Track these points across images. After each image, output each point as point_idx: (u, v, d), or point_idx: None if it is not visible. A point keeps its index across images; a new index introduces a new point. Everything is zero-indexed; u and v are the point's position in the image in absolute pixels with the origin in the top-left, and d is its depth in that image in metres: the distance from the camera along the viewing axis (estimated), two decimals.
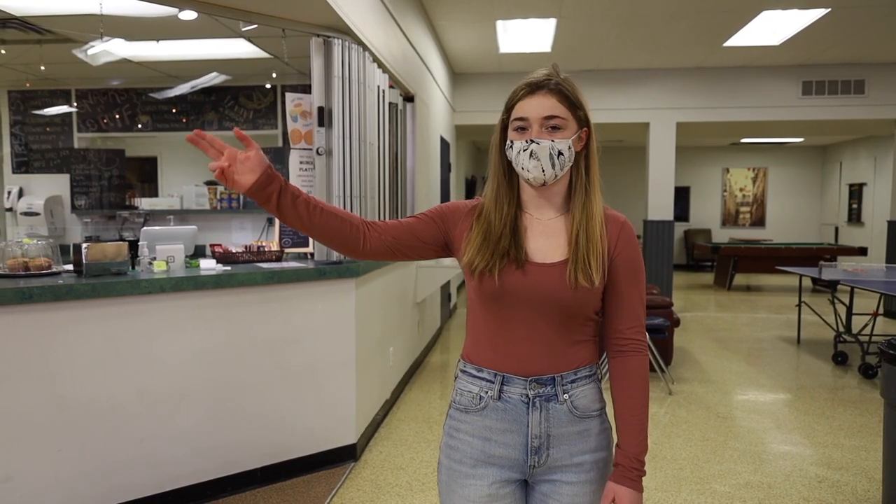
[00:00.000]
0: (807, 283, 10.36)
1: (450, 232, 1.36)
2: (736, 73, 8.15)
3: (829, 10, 5.79)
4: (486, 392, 1.31)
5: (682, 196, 14.43)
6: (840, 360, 5.62)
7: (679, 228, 14.41)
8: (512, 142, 1.28)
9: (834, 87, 8.01)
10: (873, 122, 8.43)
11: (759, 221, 14.53)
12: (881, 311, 7.81)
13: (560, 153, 1.25)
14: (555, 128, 1.25)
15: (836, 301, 5.79)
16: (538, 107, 1.25)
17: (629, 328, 1.31)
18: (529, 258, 1.28)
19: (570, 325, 1.29)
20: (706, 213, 14.66)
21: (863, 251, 10.32)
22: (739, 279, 12.02)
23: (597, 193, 1.31)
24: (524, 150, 1.25)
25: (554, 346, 1.29)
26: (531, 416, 1.29)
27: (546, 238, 1.30)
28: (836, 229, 13.51)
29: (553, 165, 1.25)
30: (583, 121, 1.29)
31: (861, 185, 12.50)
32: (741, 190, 14.62)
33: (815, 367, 5.61)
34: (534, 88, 1.25)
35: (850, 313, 5.65)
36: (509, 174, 1.32)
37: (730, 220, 14.63)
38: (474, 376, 1.33)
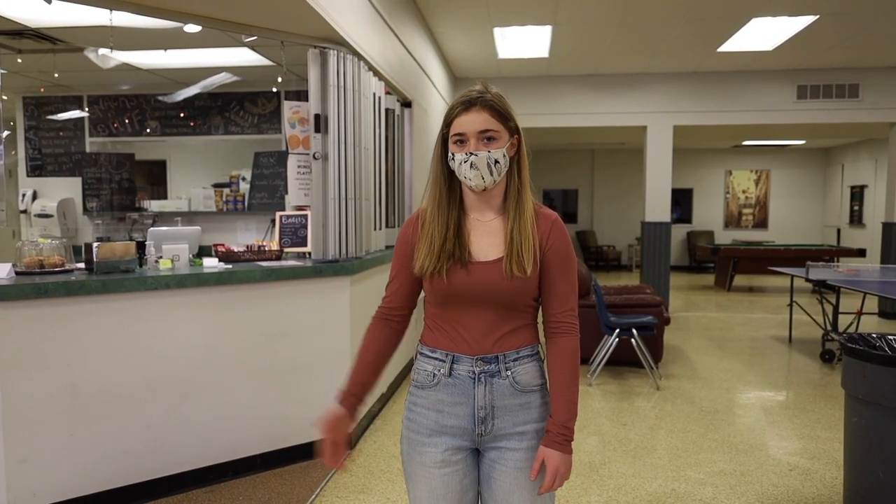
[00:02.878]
0: (807, 283, 10.46)
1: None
2: (731, 78, 8.28)
3: (817, 17, 5.93)
4: (439, 370, 1.50)
5: (684, 198, 14.55)
6: (827, 357, 5.76)
7: (682, 230, 14.53)
8: (453, 154, 1.46)
9: (829, 91, 8.13)
10: (869, 125, 8.53)
11: (761, 223, 14.61)
12: (873, 310, 7.94)
13: (496, 161, 1.44)
14: (490, 139, 1.43)
15: (823, 301, 5.92)
16: (473, 122, 1.42)
17: (561, 312, 1.49)
18: (472, 258, 1.46)
19: (510, 312, 1.48)
20: (709, 215, 14.76)
21: (861, 252, 10.41)
22: (741, 280, 12.13)
23: (528, 194, 1.49)
24: (465, 162, 1.43)
25: (498, 329, 1.47)
26: (477, 390, 1.47)
27: (487, 238, 1.49)
28: (839, 231, 13.58)
29: (491, 172, 1.44)
30: (513, 130, 1.47)
31: (862, 188, 12.59)
32: (744, 192, 14.71)
33: (802, 364, 5.75)
34: (468, 105, 1.43)
35: (836, 312, 5.78)
36: (450, 182, 1.51)
37: (732, 221, 14.72)
38: (429, 357, 1.52)
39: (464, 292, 1.46)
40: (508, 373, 1.47)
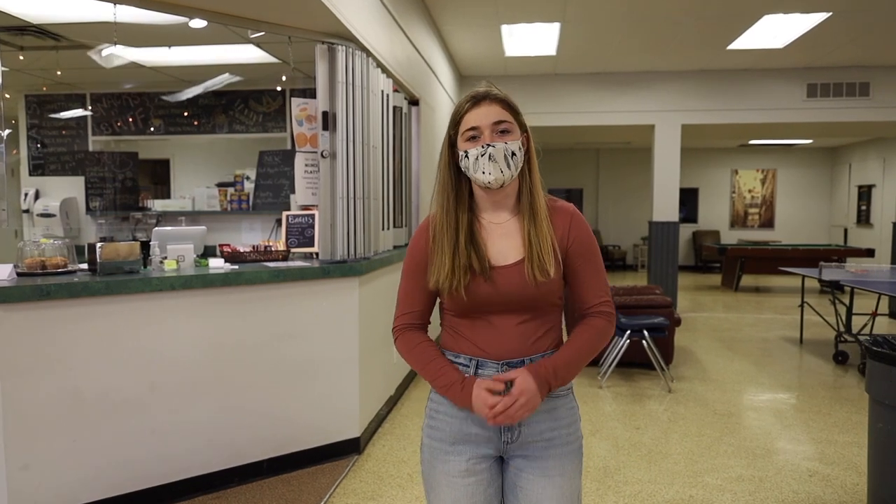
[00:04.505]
0: (815, 283, 10.37)
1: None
2: (741, 76, 8.19)
3: (830, 13, 5.84)
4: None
5: (690, 197, 14.45)
6: (840, 359, 5.67)
7: (688, 230, 14.43)
8: (466, 151, 1.38)
9: (839, 90, 8.03)
10: (879, 124, 8.44)
11: (768, 223, 14.51)
12: (885, 311, 7.85)
13: (513, 153, 1.37)
14: (504, 131, 1.37)
15: (836, 301, 5.83)
16: (487, 114, 1.36)
17: (596, 303, 1.44)
18: (492, 264, 1.39)
19: (536, 314, 1.41)
20: (715, 215, 14.66)
21: (870, 252, 10.31)
22: (748, 280, 12.03)
23: (540, 192, 1.44)
24: (482, 155, 1.36)
25: (523, 333, 1.40)
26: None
27: (505, 240, 1.42)
28: (846, 231, 13.48)
29: (509, 165, 1.37)
30: (523, 126, 1.42)
31: (870, 187, 12.48)
32: (750, 191, 14.61)
33: (815, 366, 5.66)
34: (477, 100, 1.38)
35: (849, 313, 5.69)
36: (458, 186, 1.43)
37: (738, 221, 14.62)
38: (452, 361, 1.45)
39: (487, 301, 1.39)
40: None
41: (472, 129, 1.36)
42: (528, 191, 1.42)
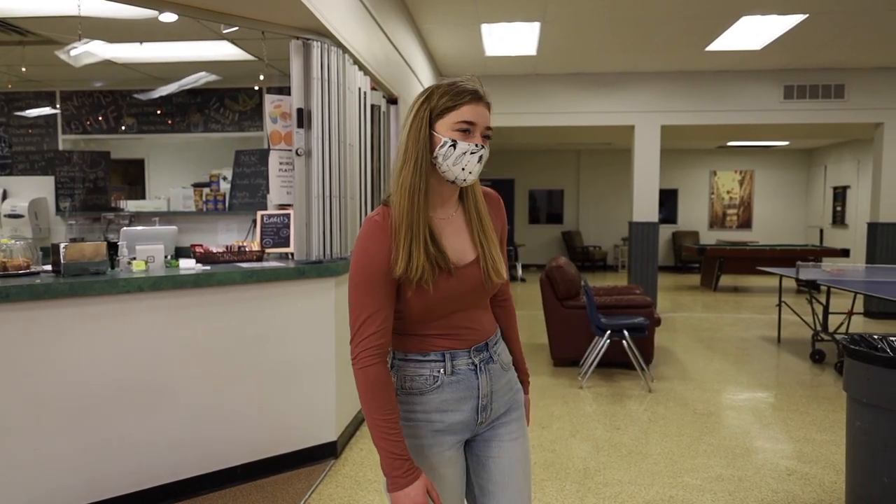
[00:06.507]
0: (793, 283, 10.47)
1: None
2: (719, 77, 8.25)
3: (807, 15, 5.89)
4: (439, 371, 1.42)
5: (669, 198, 14.54)
6: (817, 358, 5.71)
7: (667, 231, 14.52)
8: (455, 141, 1.33)
9: (815, 92, 8.12)
10: (853, 125, 8.55)
11: (745, 223, 14.65)
12: (859, 310, 7.94)
13: (485, 160, 1.39)
14: (486, 137, 1.38)
15: (813, 301, 5.87)
16: (484, 116, 1.37)
17: (504, 284, 1.60)
18: (454, 262, 1.39)
19: (487, 301, 1.53)
20: (694, 216, 14.77)
21: (845, 252, 10.43)
22: (726, 280, 12.13)
23: (479, 188, 1.48)
24: (472, 153, 1.34)
25: (482, 319, 1.49)
26: (480, 380, 1.45)
27: (456, 237, 1.42)
28: (821, 231, 13.65)
29: (480, 170, 1.39)
30: None
31: (845, 188, 12.65)
32: (728, 192, 14.74)
33: (793, 365, 5.69)
34: (478, 97, 1.36)
35: (826, 312, 5.73)
36: (431, 173, 1.36)
37: (717, 222, 14.75)
38: (421, 361, 1.42)
39: (452, 297, 1.40)
40: (496, 356, 1.50)
41: (469, 123, 1.33)
42: (472, 190, 1.44)
